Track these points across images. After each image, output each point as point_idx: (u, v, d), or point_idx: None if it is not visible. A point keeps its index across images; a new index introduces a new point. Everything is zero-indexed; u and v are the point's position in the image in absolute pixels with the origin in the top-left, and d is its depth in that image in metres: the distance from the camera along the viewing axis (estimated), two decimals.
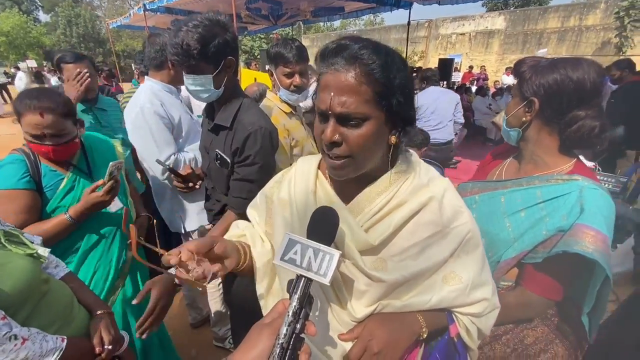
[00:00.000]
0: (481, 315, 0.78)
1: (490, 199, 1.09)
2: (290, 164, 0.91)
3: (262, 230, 0.90)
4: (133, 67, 4.86)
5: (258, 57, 17.17)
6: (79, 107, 2.02)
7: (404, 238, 0.72)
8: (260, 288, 0.84)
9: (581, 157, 1.02)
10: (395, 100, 0.64)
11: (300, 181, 0.80)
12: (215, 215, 1.50)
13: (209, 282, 0.67)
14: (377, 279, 0.71)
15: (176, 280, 0.73)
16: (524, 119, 1.01)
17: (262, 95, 2.62)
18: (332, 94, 0.62)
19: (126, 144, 1.89)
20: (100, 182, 1.29)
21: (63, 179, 1.32)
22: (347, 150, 0.65)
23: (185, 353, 2.17)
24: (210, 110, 1.44)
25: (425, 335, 0.75)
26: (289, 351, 0.50)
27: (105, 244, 1.42)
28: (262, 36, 26.32)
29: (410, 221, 0.71)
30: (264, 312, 0.84)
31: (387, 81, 0.62)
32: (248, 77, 4.33)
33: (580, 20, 13.40)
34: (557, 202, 0.94)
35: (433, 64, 13.57)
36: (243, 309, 1.04)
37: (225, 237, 0.94)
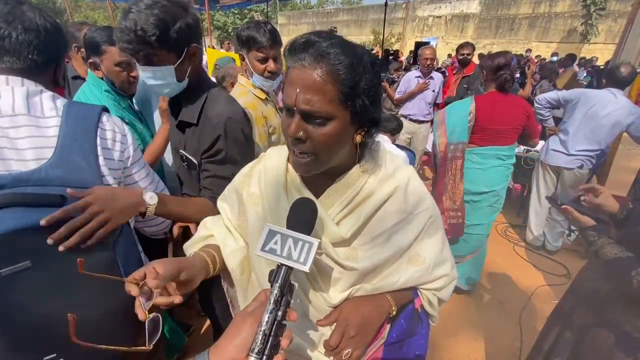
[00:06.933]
0: (442, 288, 0.85)
1: None
2: None
3: (235, 223, 0.89)
4: None
5: (232, 34, 16.39)
6: (124, 103, 1.59)
7: (373, 227, 0.75)
8: (239, 283, 0.85)
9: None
10: (360, 101, 0.64)
11: (271, 176, 0.80)
12: None
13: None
14: (349, 268, 0.74)
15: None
16: (483, 79, 2.36)
17: (223, 78, 2.47)
18: (297, 90, 0.61)
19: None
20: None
21: None
22: (311, 148, 0.65)
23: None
24: (175, 106, 1.24)
25: (394, 313, 0.81)
26: (271, 337, 0.52)
27: None
28: (236, 11, 24.98)
29: (378, 211, 0.75)
30: (243, 305, 0.85)
31: (352, 82, 0.62)
32: (214, 58, 4.13)
33: (550, 6, 13.76)
34: None
35: (410, 46, 13.59)
36: (225, 314, 1.02)
37: (193, 239, 0.92)
